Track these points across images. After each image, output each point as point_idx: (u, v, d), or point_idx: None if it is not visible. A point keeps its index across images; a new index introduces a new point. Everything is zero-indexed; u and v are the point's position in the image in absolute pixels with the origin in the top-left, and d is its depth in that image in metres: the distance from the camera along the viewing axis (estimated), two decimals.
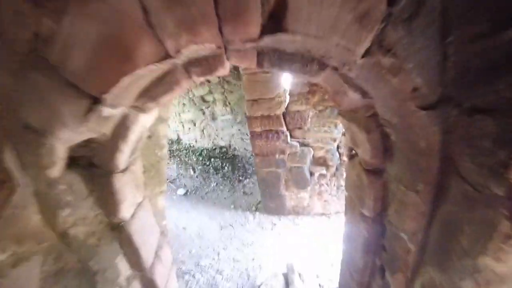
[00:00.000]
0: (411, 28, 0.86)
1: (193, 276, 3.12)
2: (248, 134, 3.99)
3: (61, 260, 1.40)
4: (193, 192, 5.34)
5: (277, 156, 3.87)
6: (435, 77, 0.89)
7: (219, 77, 5.00)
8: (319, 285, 2.56)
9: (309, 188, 3.86)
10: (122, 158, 1.41)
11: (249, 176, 5.46)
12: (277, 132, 3.73)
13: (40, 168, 1.15)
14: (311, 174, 3.81)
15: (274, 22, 0.93)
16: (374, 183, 1.45)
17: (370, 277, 1.83)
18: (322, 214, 3.97)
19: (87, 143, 1.31)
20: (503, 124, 0.72)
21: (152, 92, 1.22)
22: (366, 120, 1.30)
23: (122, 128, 1.32)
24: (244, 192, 5.11)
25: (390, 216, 1.46)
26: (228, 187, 5.35)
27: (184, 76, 1.18)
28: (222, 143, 6.20)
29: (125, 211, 1.56)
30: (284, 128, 3.68)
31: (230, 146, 6.17)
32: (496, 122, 0.74)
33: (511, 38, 0.65)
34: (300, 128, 3.63)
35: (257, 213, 4.33)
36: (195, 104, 5.76)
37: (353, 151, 1.72)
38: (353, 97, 1.26)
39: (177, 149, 6.61)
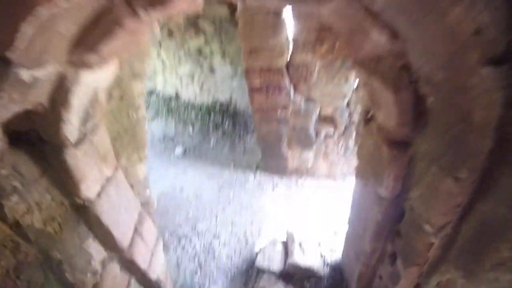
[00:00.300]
0: None
1: (190, 240, 3.01)
2: None
3: (19, 253, 1.19)
4: (192, 150, 5.13)
5: (279, 112, 3.51)
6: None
7: (215, 26, 4.43)
8: (321, 255, 2.39)
9: (314, 148, 3.57)
10: (70, 129, 1.10)
11: (250, 133, 5.16)
12: (279, 85, 3.32)
13: None
14: (317, 133, 3.49)
15: None
16: (397, 159, 1.13)
17: (377, 261, 1.61)
18: (328, 176, 3.74)
19: (29, 115, 1.00)
20: None
21: (88, 40, 0.86)
22: (395, 73, 0.94)
23: (60, 93, 0.99)
24: (245, 150, 4.86)
25: (412, 201, 1.16)
26: (228, 145, 5.10)
27: (126, 13, 0.81)
28: (222, 98, 5.80)
29: (87, 191, 1.30)
30: (287, 81, 3.27)
31: (230, 101, 5.79)
32: None
33: None
34: (305, 81, 3.20)
35: (258, 172, 4.13)
36: (192, 57, 5.26)
37: (371, 114, 1.37)
38: (377, 40, 0.88)
39: (175, 105, 6.26)
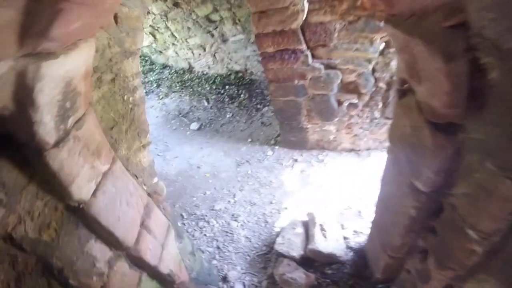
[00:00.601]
0: None
1: (208, 222, 2.97)
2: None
3: (18, 264, 1.11)
4: (207, 125, 5.01)
5: (295, 81, 3.24)
6: None
7: None
8: (344, 238, 2.25)
9: (336, 119, 3.30)
10: (45, 130, 0.96)
11: (267, 104, 4.94)
12: (294, 51, 3.02)
13: None
14: (339, 103, 3.21)
15: None
16: (441, 147, 0.91)
17: (406, 255, 1.43)
18: (351, 150, 3.49)
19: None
20: None
21: (36, 26, 0.68)
22: (446, 35, 0.69)
23: (23, 92, 0.83)
24: (262, 123, 4.68)
25: (455, 199, 0.94)
26: (245, 118, 4.93)
27: None
28: (237, 68, 5.58)
29: (79, 192, 1.19)
30: (304, 46, 2.95)
31: (246, 70, 5.53)
32: None
33: None
34: (324, 45, 2.87)
35: (277, 147, 3.96)
36: (201, 26, 4.98)
37: (406, 86, 1.11)
38: None
39: (189, 78, 6.09)
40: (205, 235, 2.82)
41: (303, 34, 2.84)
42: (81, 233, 1.31)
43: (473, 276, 0.95)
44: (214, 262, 2.49)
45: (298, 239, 2.31)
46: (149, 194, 1.81)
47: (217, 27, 4.84)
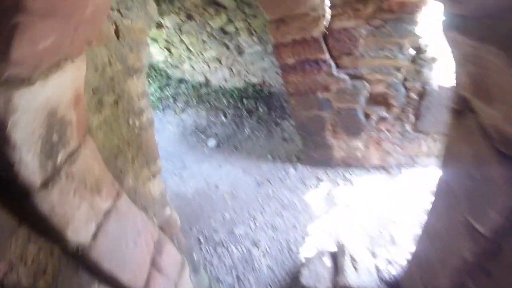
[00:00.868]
0: None
1: (227, 249, 2.79)
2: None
3: None
4: (226, 141, 4.89)
5: (319, 94, 3.06)
6: None
7: (238, 0, 3.98)
8: (376, 268, 2.01)
9: (363, 134, 3.07)
10: (28, 169, 0.83)
11: (288, 118, 4.77)
12: (316, 61, 2.85)
13: None
14: (366, 116, 2.98)
15: None
16: None
17: None
18: (380, 166, 3.23)
19: None
20: None
21: None
22: None
23: None
24: (283, 138, 4.51)
25: None
26: (265, 133, 4.78)
27: None
28: (255, 80, 5.46)
29: (76, 235, 1.05)
30: (327, 55, 2.79)
31: (264, 83, 5.41)
32: None
33: None
34: (349, 53, 2.69)
35: (299, 164, 3.76)
36: (216, 39, 4.93)
37: (467, 105, 0.90)
38: None
39: (206, 93, 6.04)
40: (224, 263, 2.63)
41: (326, 42, 2.67)
42: (82, 279, 1.17)
43: None
44: None
45: (326, 271, 2.08)
46: (160, 227, 1.67)
47: (232, 39, 4.76)
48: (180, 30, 5.06)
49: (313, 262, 2.21)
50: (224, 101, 5.68)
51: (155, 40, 5.56)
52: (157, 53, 6.08)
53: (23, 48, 0.56)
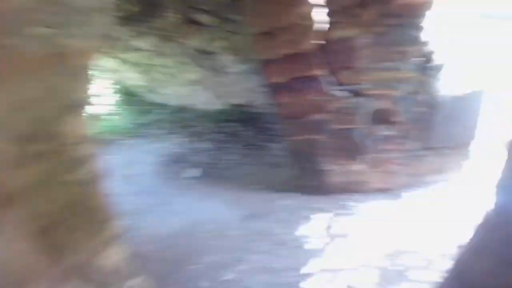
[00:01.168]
0: None
1: None
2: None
3: None
4: (209, 170, 4.56)
5: (314, 116, 2.83)
6: None
7: (215, 16, 3.84)
8: None
9: (363, 156, 2.80)
10: None
11: (276, 141, 4.53)
12: (311, 78, 2.63)
13: None
14: (368, 136, 2.73)
15: None
16: None
17: None
18: (382, 189, 3.00)
19: None
20: None
21: None
22: None
23: None
24: (273, 164, 4.24)
25: None
26: (251, 158, 4.56)
27: None
28: (240, 101, 5.40)
29: None
30: (323, 71, 2.59)
31: (250, 104, 5.37)
32: None
33: None
34: (348, 67, 2.48)
35: (292, 194, 3.43)
36: (196, 59, 4.81)
37: None
38: None
39: (187, 118, 5.91)
40: None
41: (322, 55, 2.43)
42: None
43: None
44: None
45: None
46: None
47: (214, 59, 4.64)
48: (158, 52, 4.89)
49: None
50: (207, 126, 5.50)
51: (131, 63, 5.36)
52: (133, 78, 5.90)
53: None
